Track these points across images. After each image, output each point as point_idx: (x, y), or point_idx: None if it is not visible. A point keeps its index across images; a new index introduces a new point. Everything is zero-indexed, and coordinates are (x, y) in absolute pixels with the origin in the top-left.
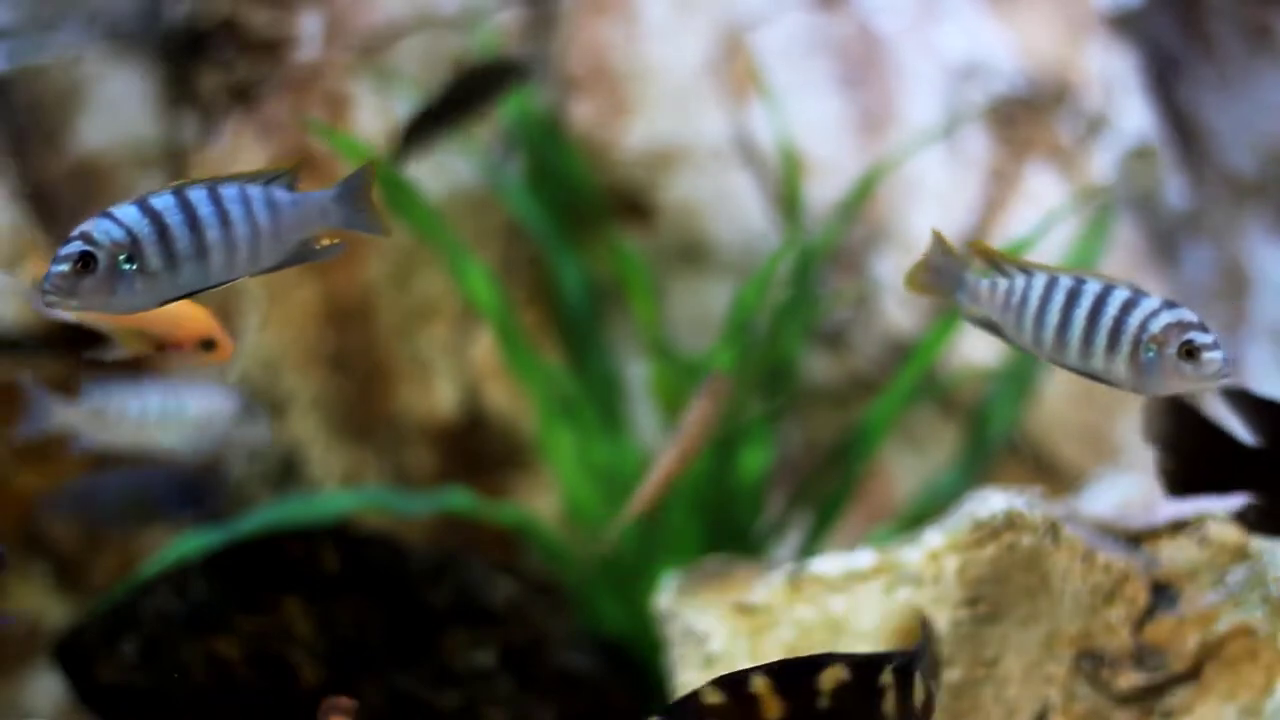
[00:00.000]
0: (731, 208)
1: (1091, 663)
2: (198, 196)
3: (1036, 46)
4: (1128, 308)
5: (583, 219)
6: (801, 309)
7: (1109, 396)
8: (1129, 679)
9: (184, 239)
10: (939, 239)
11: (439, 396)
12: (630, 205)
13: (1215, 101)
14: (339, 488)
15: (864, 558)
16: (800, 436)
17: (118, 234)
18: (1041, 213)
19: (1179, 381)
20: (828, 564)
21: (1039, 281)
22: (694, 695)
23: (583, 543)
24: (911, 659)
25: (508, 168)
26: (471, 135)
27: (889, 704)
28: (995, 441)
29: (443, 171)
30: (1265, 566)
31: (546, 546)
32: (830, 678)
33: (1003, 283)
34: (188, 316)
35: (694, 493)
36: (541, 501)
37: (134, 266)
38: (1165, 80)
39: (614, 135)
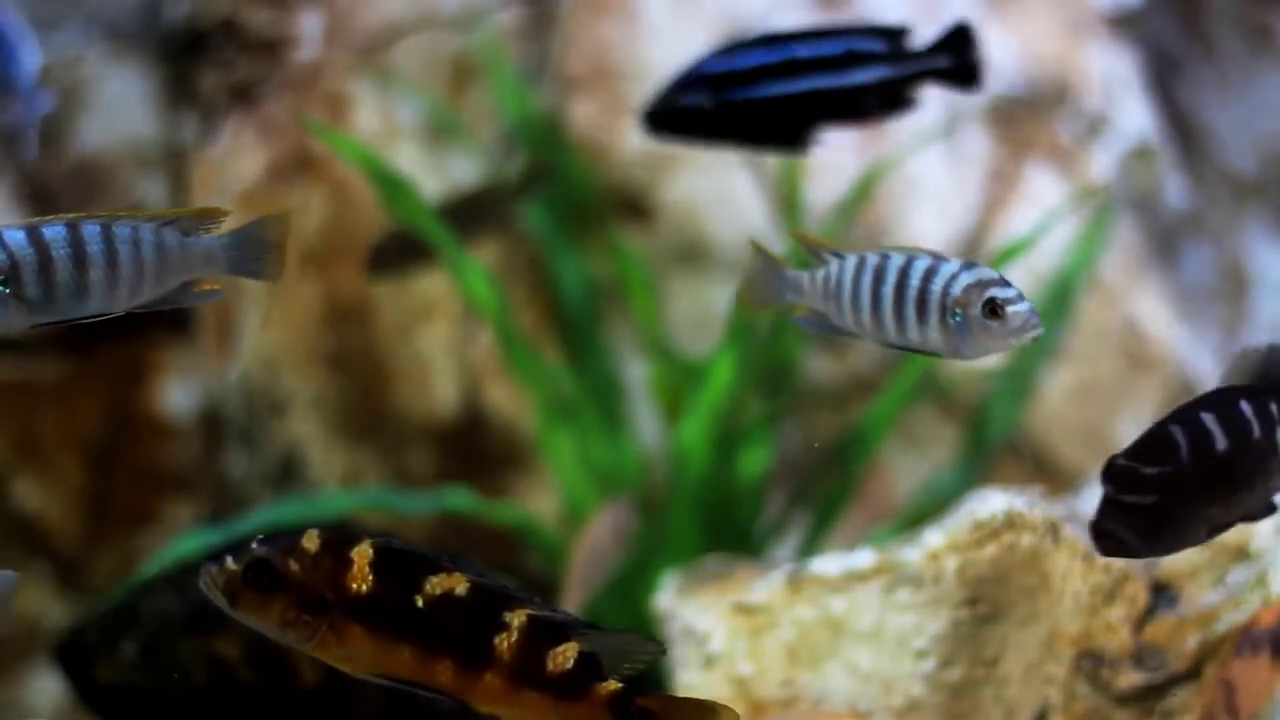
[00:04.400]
0: (731, 208)
1: (1091, 663)
2: (90, 233)
3: (1036, 46)
4: (929, 275)
5: (583, 219)
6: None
7: (1109, 396)
8: (1129, 679)
9: (66, 273)
10: (758, 249)
11: (439, 396)
12: (630, 205)
13: (1215, 101)
14: (339, 488)
15: (864, 558)
16: (800, 436)
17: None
18: (1041, 213)
19: (990, 340)
20: (828, 564)
21: (850, 263)
22: (295, 536)
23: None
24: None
25: (508, 168)
26: (472, 135)
27: None
28: (995, 441)
29: (443, 171)
30: (1265, 566)
31: (546, 546)
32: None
33: (819, 271)
34: None
35: (694, 493)
36: (541, 501)
37: (8, 290)
38: (1165, 80)
39: (614, 135)
